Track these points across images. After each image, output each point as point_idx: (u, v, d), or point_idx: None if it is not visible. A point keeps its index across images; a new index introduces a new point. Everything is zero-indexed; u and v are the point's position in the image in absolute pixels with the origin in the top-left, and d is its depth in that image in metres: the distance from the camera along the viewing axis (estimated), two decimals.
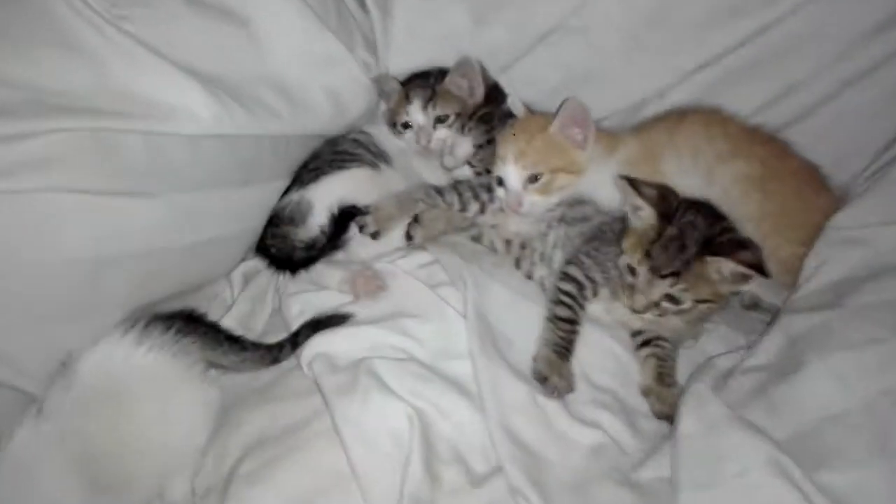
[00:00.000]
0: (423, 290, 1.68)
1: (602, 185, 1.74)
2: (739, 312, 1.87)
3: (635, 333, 1.67)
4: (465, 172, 1.95)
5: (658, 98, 1.91)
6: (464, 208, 1.82)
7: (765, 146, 1.76)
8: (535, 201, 1.71)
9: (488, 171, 1.89)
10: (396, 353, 1.57)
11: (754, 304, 1.88)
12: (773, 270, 1.64)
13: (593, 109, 1.88)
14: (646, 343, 1.64)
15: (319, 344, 1.58)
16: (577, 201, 1.76)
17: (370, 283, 1.69)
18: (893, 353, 1.33)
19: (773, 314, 1.68)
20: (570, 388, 1.51)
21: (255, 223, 1.78)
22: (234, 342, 1.51)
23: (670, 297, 1.43)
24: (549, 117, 1.75)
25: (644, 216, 1.53)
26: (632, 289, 1.49)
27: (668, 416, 1.49)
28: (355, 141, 1.93)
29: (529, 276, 1.77)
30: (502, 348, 1.58)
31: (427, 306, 1.66)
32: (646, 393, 1.57)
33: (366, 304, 1.67)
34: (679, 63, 1.80)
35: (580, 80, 1.94)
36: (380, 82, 1.94)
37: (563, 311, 1.57)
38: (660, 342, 1.62)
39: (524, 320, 1.64)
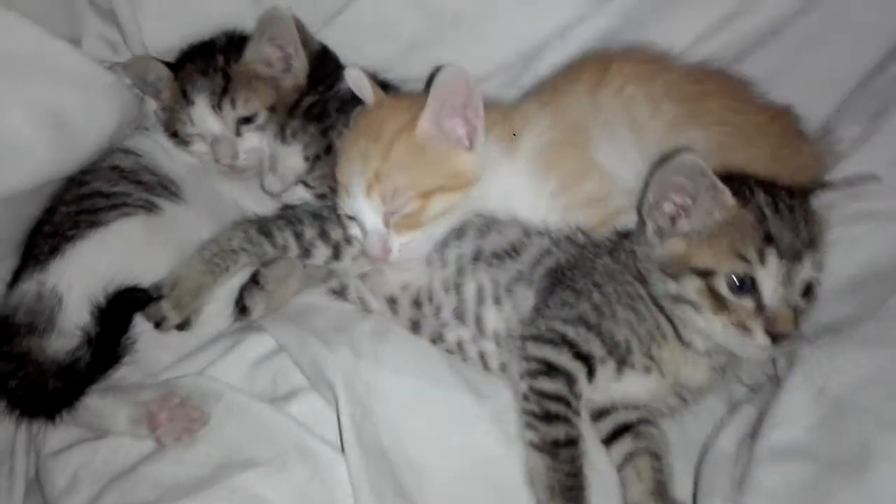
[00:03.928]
0: (267, 413, 1.05)
1: (517, 192, 1.16)
2: None
3: (599, 413, 1.13)
4: (300, 195, 1.28)
5: (559, 40, 1.30)
6: (306, 254, 1.18)
7: (721, 96, 1.25)
8: (411, 241, 1.10)
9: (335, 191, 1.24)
10: None
11: None
12: None
13: (468, 67, 1.27)
14: (624, 430, 1.10)
15: None
16: (488, 223, 1.16)
17: (179, 416, 1.04)
18: None
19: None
20: None
21: None
22: None
23: (807, 287, 0.98)
24: (412, 103, 1.12)
25: (709, 204, 0.99)
26: (760, 316, 0.95)
27: None
28: (115, 169, 1.21)
29: (437, 340, 1.17)
30: (412, 490, 0.99)
31: (279, 443, 1.03)
32: None
33: (176, 453, 1.02)
34: None
35: (448, 24, 1.31)
36: (134, 70, 1.21)
37: (558, 431, 0.99)
38: (645, 427, 1.10)
39: (444, 424, 1.07)
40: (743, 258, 0.95)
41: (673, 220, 1.02)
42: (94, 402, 1.08)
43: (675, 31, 1.30)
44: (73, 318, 1.11)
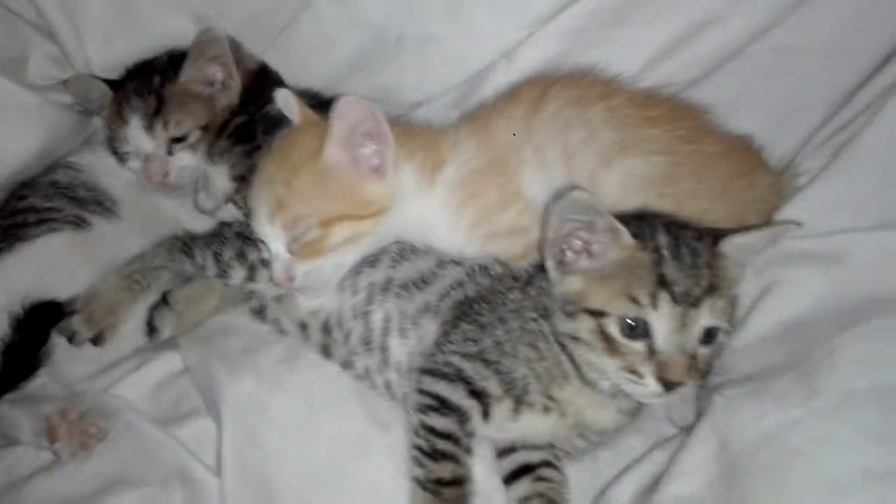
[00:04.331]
0: (157, 435, 1.06)
1: (434, 223, 1.13)
2: None
3: (503, 452, 1.07)
4: (233, 213, 1.28)
5: (505, 62, 1.25)
6: (224, 274, 1.17)
7: (669, 123, 1.17)
8: (315, 269, 1.07)
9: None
10: None
11: None
12: None
13: (412, 89, 1.25)
14: (524, 471, 1.05)
15: None
16: (403, 252, 1.13)
17: (77, 431, 1.05)
18: None
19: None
20: None
21: None
22: None
23: (708, 333, 0.91)
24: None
25: (607, 241, 0.94)
26: (651, 361, 0.89)
27: None
28: (52, 185, 1.25)
29: (347, 367, 1.14)
30: None
31: (163, 465, 1.03)
32: None
33: (69, 467, 1.05)
34: (530, 7, 1.21)
35: (392, 45, 1.29)
36: (75, 88, 1.24)
37: (443, 469, 0.96)
38: (546, 470, 1.05)
39: (338, 454, 1.05)
40: (635, 301, 0.90)
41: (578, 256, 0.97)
42: (5, 411, 1.10)
43: (626, 54, 1.22)
44: None
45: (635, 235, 0.93)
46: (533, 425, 1.01)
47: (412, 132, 1.15)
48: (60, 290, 1.17)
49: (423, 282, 1.10)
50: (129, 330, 1.19)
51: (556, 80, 1.18)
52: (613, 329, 0.91)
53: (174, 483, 1.02)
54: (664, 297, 0.89)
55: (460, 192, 1.12)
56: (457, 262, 1.12)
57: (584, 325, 0.93)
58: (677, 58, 1.23)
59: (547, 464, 1.05)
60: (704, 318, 0.89)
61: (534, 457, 1.06)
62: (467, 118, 1.21)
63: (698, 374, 0.91)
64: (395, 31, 1.26)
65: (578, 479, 1.08)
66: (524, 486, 1.04)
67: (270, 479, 1.01)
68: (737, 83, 1.24)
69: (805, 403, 0.90)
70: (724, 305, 0.92)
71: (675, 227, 0.97)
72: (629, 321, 0.90)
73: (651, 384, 0.89)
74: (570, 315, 0.95)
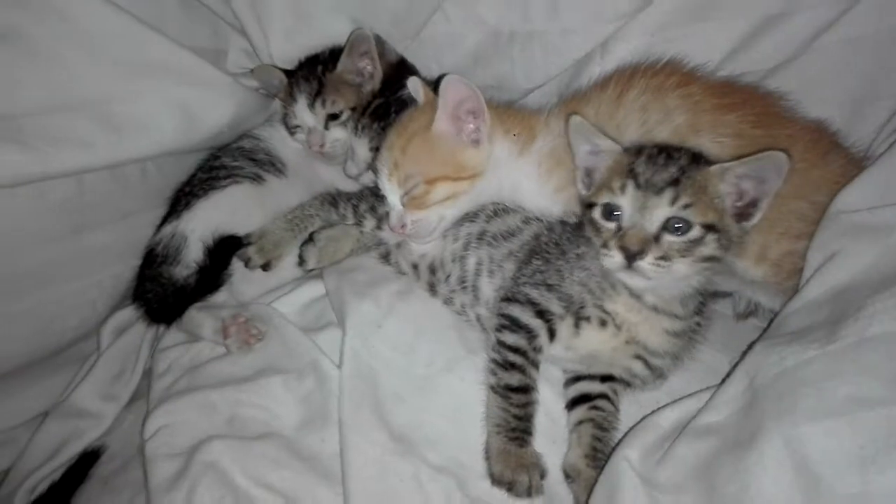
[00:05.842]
0: (299, 337, 1.37)
1: (524, 186, 1.34)
2: (732, 326, 1.45)
3: (569, 381, 1.28)
4: (374, 180, 1.58)
5: (600, 55, 1.45)
6: (359, 223, 1.48)
7: (740, 109, 1.30)
8: (420, 219, 1.32)
9: None
10: (255, 427, 1.27)
11: (750, 312, 1.46)
12: (765, 276, 1.31)
13: (521, 78, 1.49)
14: (584, 399, 1.24)
15: (169, 413, 1.31)
16: (497, 210, 1.37)
17: (242, 331, 1.39)
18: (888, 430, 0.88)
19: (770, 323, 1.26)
20: (540, 486, 1.14)
21: (111, 269, 1.51)
22: None
23: (674, 225, 1.06)
24: None
25: (607, 156, 1.17)
26: (617, 235, 1.09)
27: None
28: (239, 149, 1.61)
29: (448, 303, 1.39)
30: (388, 411, 1.25)
31: (301, 359, 1.34)
32: (571, 474, 1.19)
33: (235, 356, 1.38)
34: (616, 5, 1.41)
35: (505, 41, 1.53)
36: (259, 76, 1.59)
37: (512, 378, 1.18)
38: (601, 402, 1.23)
39: (432, 367, 1.30)
40: (611, 190, 1.10)
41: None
42: (194, 315, 1.46)
43: (707, 46, 1.38)
44: (192, 255, 1.51)
45: (627, 149, 1.13)
46: (593, 339, 1.19)
47: (511, 111, 1.38)
48: (240, 228, 1.51)
49: (510, 234, 1.33)
50: (289, 262, 1.51)
51: (640, 70, 1.35)
52: (597, 213, 1.12)
53: (308, 372, 1.32)
54: (630, 184, 1.08)
55: (548, 161, 1.32)
56: (539, 220, 1.34)
57: (586, 217, 1.15)
58: (754, 50, 1.36)
59: (604, 396, 1.23)
60: (664, 204, 1.06)
61: (594, 388, 1.24)
62: (561, 102, 1.42)
63: (659, 253, 1.06)
64: (507, 29, 1.50)
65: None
66: (581, 411, 1.23)
67: (376, 376, 1.27)
68: (812, 73, 1.35)
69: (823, 346, 1.01)
70: (693, 203, 1.06)
71: (670, 146, 1.14)
72: (607, 206, 1.11)
73: (615, 254, 1.08)
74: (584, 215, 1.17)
